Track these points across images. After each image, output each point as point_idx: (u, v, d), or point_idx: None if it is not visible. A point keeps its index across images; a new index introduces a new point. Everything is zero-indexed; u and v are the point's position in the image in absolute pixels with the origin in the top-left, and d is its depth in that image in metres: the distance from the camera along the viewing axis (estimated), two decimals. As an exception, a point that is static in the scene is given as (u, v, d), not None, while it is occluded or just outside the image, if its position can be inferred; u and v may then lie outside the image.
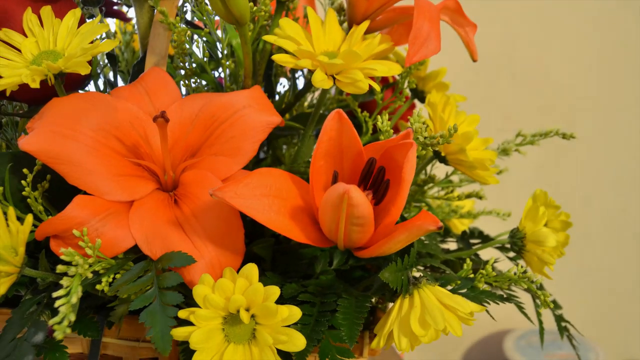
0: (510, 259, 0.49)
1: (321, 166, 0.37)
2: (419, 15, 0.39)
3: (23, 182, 0.37)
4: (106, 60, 0.52)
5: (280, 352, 0.33)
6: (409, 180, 0.34)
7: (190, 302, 0.33)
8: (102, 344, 0.39)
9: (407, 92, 0.51)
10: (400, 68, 0.41)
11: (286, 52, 0.40)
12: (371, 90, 0.40)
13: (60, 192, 0.37)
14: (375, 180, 0.36)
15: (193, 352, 0.32)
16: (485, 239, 0.53)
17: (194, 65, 0.45)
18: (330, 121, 0.37)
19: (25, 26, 0.39)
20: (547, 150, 0.80)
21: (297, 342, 0.32)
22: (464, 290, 0.40)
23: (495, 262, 0.43)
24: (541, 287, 0.44)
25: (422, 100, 0.54)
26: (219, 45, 0.46)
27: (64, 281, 0.30)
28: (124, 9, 0.55)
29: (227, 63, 0.45)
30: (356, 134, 0.37)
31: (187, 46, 0.44)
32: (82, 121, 0.36)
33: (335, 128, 0.37)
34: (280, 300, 0.32)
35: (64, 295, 0.30)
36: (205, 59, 0.46)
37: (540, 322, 0.45)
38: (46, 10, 0.40)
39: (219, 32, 0.46)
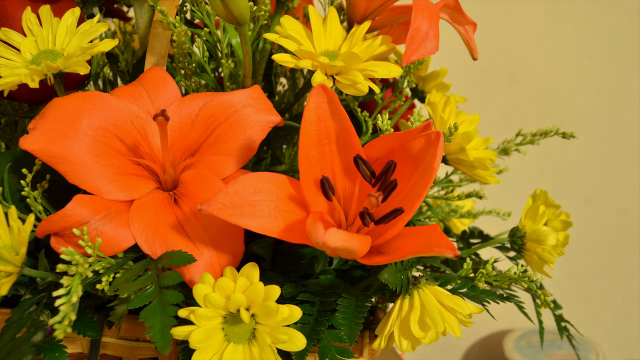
0: (511, 258, 0.49)
1: (314, 156, 0.33)
2: (417, 13, 0.39)
3: (22, 182, 0.37)
4: (106, 60, 0.52)
5: (280, 352, 0.33)
6: (435, 174, 0.31)
7: (190, 301, 0.33)
8: (101, 344, 0.39)
9: (407, 91, 0.51)
10: (400, 70, 0.40)
11: (286, 51, 0.40)
12: (371, 90, 0.40)
13: (60, 192, 0.37)
14: (382, 176, 0.33)
15: (193, 351, 0.32)
16: (485, 239, 0.53)
17: (194, 64, 0.45)
18: (316, 97, 0.31)
19: (24, 25, 0.39)
20: (547, 150, 0.80)
21: (298, 341, 0.32)
22: (464, 290, 0.40)
23: (495, 261, 0.43)
24: (541, 287, 0.44)
25: (422, 100, 0.54)
26: (218, 45, 0.46)
27: (64, 280, 0.30)
28: (124, 8, 0.55)
29: (227, 63, 0.45)
30: (346, 115, 0.33)
31: (187, 46, 0.43)
32: (83, 120, 0.36)
33: (324, 106, 0.31)
34: (280, 300, 0.32)
35: (64, 294, 0.30)
36: (205, 59, 0.46)
37: (540, 322, 0.45)
38: (45, 10, 0.40)
39: (218, 32, 0.46)
